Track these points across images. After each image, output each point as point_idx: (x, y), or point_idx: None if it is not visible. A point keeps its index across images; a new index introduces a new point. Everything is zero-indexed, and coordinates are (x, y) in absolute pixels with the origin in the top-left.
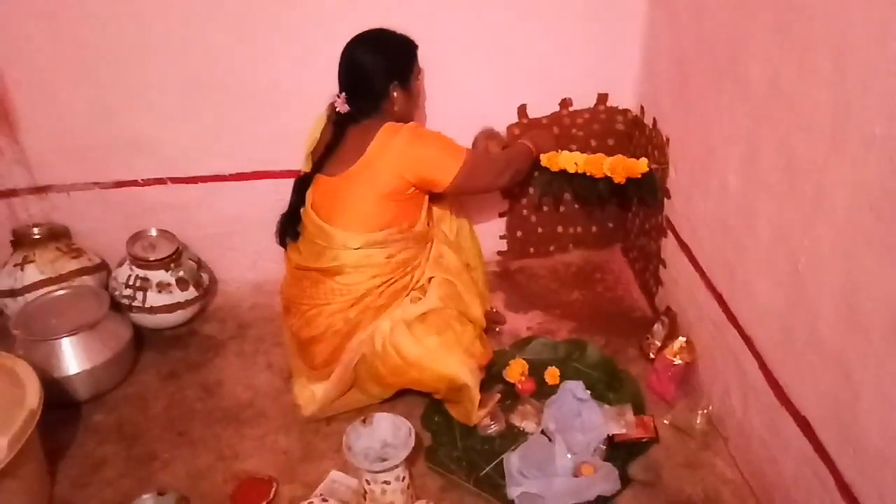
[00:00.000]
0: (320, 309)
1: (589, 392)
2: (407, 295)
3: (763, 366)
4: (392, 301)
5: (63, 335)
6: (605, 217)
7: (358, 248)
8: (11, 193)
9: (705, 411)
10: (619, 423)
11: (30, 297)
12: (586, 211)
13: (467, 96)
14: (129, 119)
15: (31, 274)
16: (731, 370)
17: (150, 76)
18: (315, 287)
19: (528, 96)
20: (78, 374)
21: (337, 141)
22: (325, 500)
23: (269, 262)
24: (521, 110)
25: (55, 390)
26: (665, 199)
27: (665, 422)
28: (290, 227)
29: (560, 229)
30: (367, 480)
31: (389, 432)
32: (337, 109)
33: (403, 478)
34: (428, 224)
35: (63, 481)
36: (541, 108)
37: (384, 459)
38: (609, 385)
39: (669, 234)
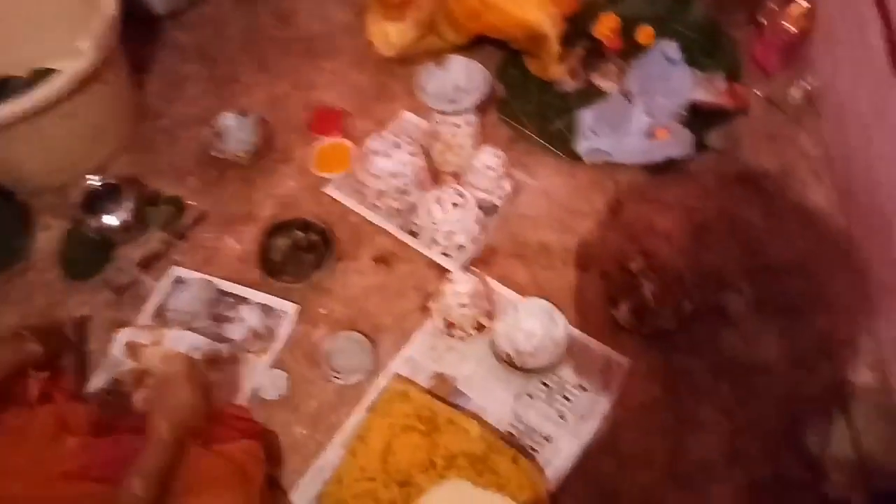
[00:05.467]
0: None
1: (683, 55)
2: None
3: (892, 40)
4: None
5: None
6: None
7: None
8: None
9: (806, 86)
10: (707, 89)
11: None
12: None
13: None
14: None
15: None
16: (852, 43)
17: None
18: None
19: None
20: None
21: None
22: (395, 135)
23: None
24: None
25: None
26: None
27: (758, 93)
28: None
29: None
30: (437, 121)
31: (463, 76)
32: None
33: (473, 123)
34: None
35: (150, 94)
36: None
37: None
38: (706, 50)
39: None
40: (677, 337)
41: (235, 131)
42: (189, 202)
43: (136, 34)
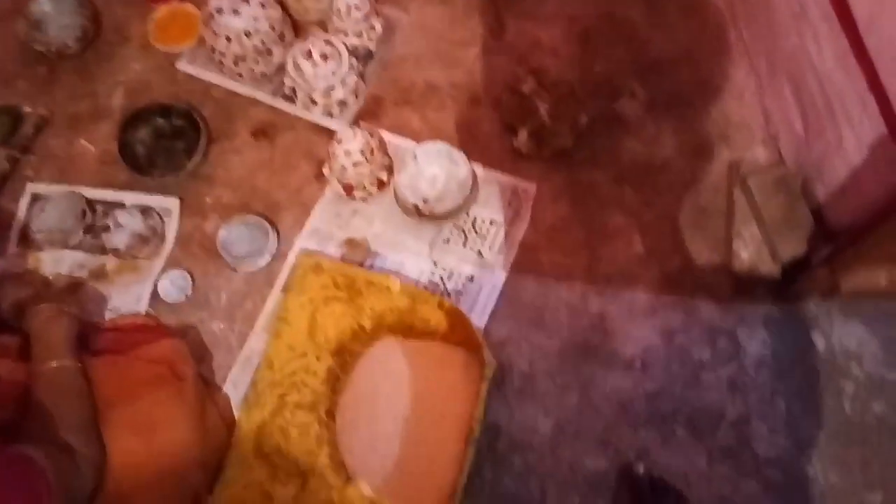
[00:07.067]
0: None
1: None
2: None
3: None
4: None
5: None
6: None
7: None
8: None
9: None
10: None
11: None
12: None
13: None
14: None
15: None
16: None
17: None
18: None
19: None
20: None
21: None
22: None
23: None
24: None
25: None
26: None
27: None
28: None
29: None
30: None
31: None
32: None
33: None
34: None
35: None
36: None
37: None
38: None
39: None
40: (578, 153)
41: (55, 17)
42: (25, 109)
43: None
